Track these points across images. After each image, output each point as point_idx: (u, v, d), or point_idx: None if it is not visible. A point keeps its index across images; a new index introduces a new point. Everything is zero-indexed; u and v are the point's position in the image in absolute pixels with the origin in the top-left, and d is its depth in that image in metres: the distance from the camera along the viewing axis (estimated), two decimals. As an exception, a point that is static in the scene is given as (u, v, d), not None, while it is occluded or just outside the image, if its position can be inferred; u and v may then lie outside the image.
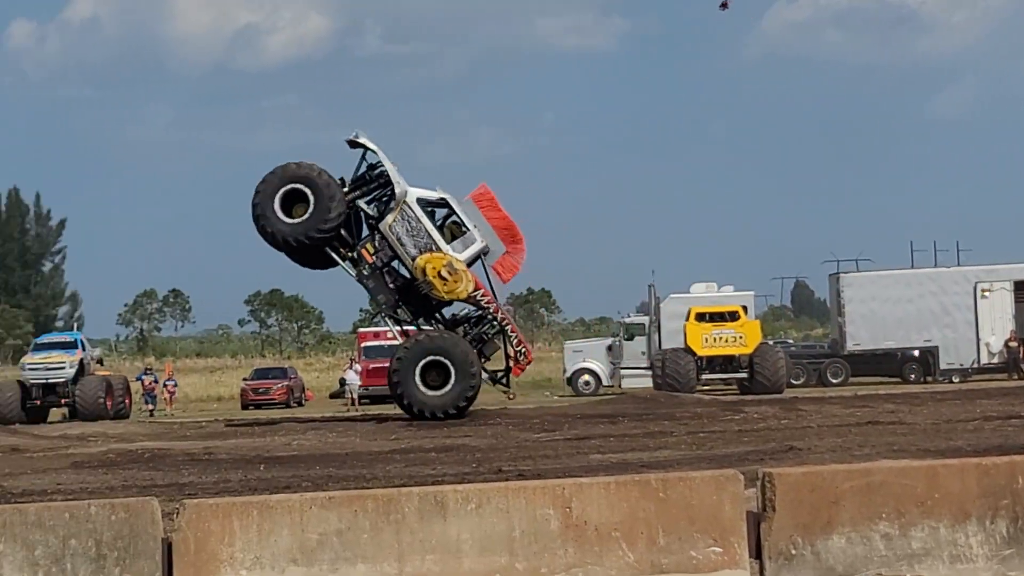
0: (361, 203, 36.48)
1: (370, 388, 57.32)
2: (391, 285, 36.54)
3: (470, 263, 36.17)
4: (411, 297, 36.50)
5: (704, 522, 10.81)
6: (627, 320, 62.88)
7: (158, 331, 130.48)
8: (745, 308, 56.41)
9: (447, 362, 34.64)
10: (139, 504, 10.86)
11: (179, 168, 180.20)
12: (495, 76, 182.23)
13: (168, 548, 10.67)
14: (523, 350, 37.33)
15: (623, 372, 58.95)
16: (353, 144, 36.77)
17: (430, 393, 34.71)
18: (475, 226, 36.30)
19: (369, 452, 27.29)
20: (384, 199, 36.43)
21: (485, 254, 36.83)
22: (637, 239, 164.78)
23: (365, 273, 36.28)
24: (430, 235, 35.69)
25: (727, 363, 55.20)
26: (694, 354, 54.75)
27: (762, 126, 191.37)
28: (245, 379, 64.63)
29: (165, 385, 61.30)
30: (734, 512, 10.83)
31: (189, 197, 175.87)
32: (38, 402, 50.96)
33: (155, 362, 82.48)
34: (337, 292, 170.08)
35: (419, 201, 36.02)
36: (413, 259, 35.55)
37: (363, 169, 36.78)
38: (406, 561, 10.77)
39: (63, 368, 51.29)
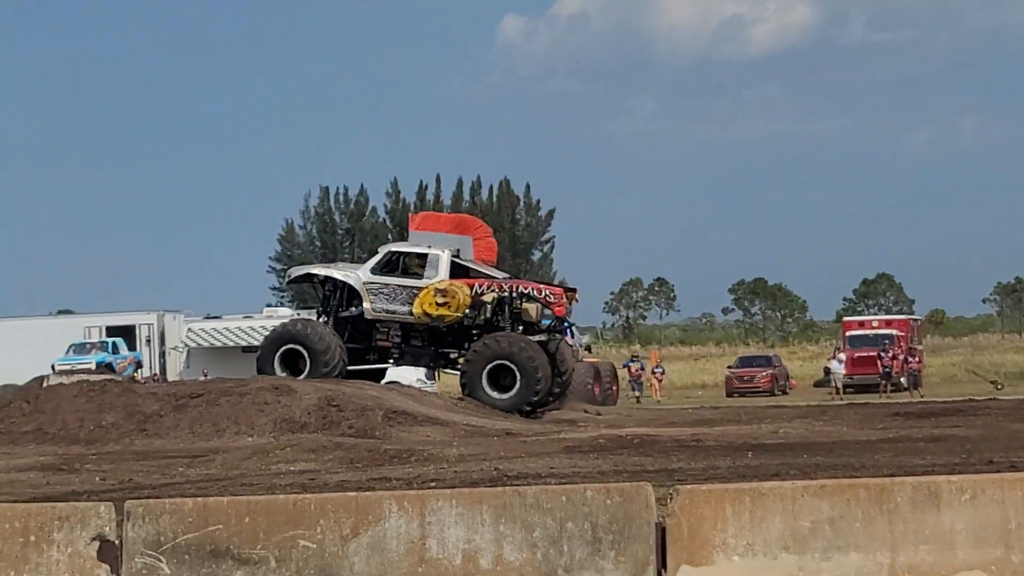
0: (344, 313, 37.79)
1: (855, 377, 56.55)
2: (420, 345, 37.64)
3: (454, 275, 37.14)
4: (440, 337, 37.61)
5: None
6: None
7: (643, 319, 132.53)
8: None
9: (512, 365, 35.59)
10: (633, 489, 11.05)
11: (662, 158, 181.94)
12: (984, 62, 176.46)
13: (662, 533, 10.82)
14: (548, 293, 38.01)
15: None
16: (296, 281, 40.11)
17: (498, 396, 35.70)
18: (428, 245, 37.47)
19: (856, 441, 26.97)
20: (352, 298, 37.67)
21: (459, 256, 37.90)
22: None
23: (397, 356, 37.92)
24: (402, 286, 36.96)
25: None
26: None
27: None
28: (730, 367, 64.95)
29: (652, 372, 62.19)
30: None
31: (672, 187, 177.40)
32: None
33: (640, 350, 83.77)
34: (821, 281, 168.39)
35: (373, 271, 37.37)
36: (411, 314, 36.85)
37: (324, 293, 38.55)
38: (899, 551, 10.62)
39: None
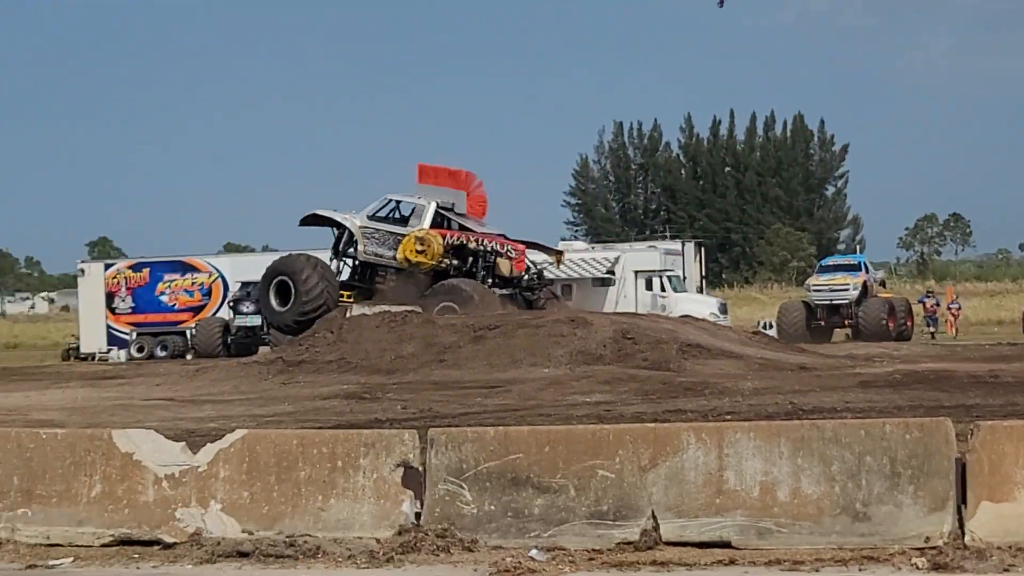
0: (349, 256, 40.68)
1: None
2: (410, 289, 38.71)
3: (436, 225, 39.65)
4: (418, 280, 39.08)
5: None
6: None
7: (938, 255, 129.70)
8: None
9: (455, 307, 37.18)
10: (933, 424, 10.82)
11: (956, 93, 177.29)
12: None
13: (962, 469, 10.59)
14: (508, 249, 40.02)
15: None
16: (307, 223, 41.63)
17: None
18: (419, 197, 39.87)
19: None
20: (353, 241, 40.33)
21: (450, 208, 40.35)
22: None
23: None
24: (390, 232, 39.47)
25: None
26: None
27: None
28: (1027, 302, 62.99)
29: (948, 308, 60.78)
30: None
31: (967, 122, 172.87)
32: (822, 322, 51.97)
33: (935, 285, 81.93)
34: None
35: (370, 219, 39.90)
36: (395, 259, 39.36)
37: (334, 236, 41.13)
38: None
39: (847, 290, 52.03)
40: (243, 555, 11.03)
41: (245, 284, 54.24)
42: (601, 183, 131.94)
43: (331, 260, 40.13)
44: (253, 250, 65.05)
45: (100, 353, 56.31)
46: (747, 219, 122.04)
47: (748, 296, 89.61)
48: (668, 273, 54.04)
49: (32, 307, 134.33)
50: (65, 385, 33.13)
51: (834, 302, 51.80)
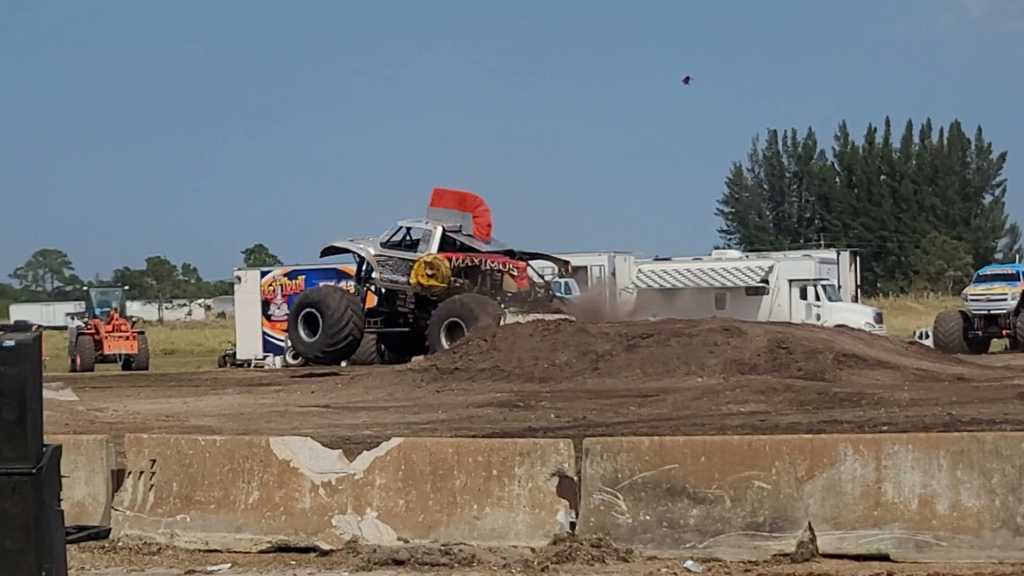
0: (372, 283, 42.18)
1: None
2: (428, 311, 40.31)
3: (445, 247, 41.11)
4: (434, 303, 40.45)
5: None
6: None
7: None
8: None
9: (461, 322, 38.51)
10: (1099, 437, 10.60)
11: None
12: None
13: None
14: (511, 267, 41.61)
15: None
16: (328, 254, 43.93)
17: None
18: (427, 222, 41.55)
19: None
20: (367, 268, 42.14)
21: (458, 230, 41.67)
22: None
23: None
24: (402, 259, 41.10)
25: None
26: None
27: None
28: None
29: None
30: None
31: None
32: (979, 332, 51.08)
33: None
34: None
35: (383, 246, 41.49)
36: (409, 284, 40.81)
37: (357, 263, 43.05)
38: None
39: (1005, 300, 51.09)
40: (399, 563, 11.09)
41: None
42: (755, 191, 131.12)
43: (356, 287, 42.09)
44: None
45: (256, 360, 57.04)
46: (903, 228, 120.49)
47: (903, 306, 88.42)
48: (823, 282, 53.55)
49: (189, 314, 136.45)
50: (222, 391, 33.62)
51: (992, 312, 50.86)
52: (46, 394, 8.78)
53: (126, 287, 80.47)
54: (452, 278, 40.46)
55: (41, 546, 8.62)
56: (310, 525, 11.74)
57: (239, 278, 60.42)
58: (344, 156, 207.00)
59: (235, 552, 11.74)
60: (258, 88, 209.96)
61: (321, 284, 41.94)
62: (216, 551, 11.80)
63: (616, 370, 31.07)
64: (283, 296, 58.23)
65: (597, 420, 22.66)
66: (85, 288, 74.53)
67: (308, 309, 39.85)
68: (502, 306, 39.40)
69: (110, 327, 57.11)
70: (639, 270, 57.97)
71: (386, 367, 37.77)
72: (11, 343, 8.41)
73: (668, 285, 56.45)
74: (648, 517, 11.09)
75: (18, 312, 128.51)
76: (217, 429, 20.99)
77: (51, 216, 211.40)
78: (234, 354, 59.18)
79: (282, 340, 57.39)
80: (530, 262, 43.21)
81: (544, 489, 11.35)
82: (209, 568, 11.42)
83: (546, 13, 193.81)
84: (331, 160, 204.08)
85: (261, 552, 11.71)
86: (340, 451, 12.19)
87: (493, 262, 41.39)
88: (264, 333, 58.09)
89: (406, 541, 11.39)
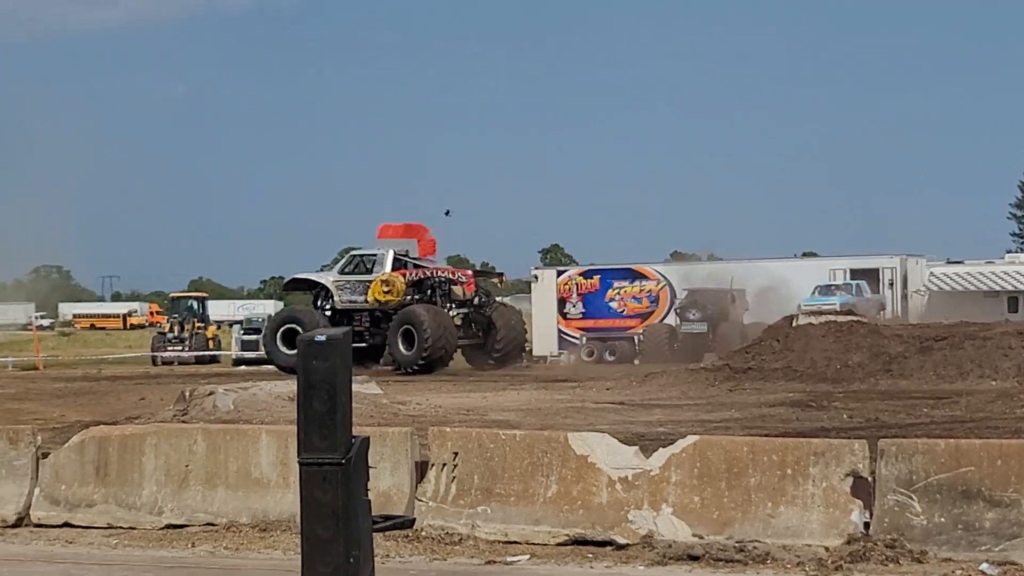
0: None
1: None
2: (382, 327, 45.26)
3: (396, 268, 46.05)
4: (389, 317, 45.03)
5: None
6: None
7: None
8: None
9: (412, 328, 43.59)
10: None
11: None
12: None
13: None
14: (459, 276, 47.99)
15: None
16: (290, 288, 49.84)
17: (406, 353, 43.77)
18: (379, 248, 46.66)
19: None
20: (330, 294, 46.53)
21: (405, 254, 46.99)
22: None
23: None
24: (358, 281, 45.77)
25: None
26: None
27: None
28: None
29: None
30: None
31: None
32: None
33: None
34: None
35: (341, 272, 46.41)
36: (367, 302, 45.41)
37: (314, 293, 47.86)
38: None
39: None
40: (693, 558, 11.03)
41: (691, 292, 54.48)
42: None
43: (314, 312, 46.12)
44: (698, 259, 65.13)
45: (551, 356, 57.44)
46: None
47: None
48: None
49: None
50: (520, 387, 33.95)
51: None
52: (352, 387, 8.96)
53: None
54: (405, 293, 45.53)
55: (349, 534, 8.80)
56: (606, 519, 11.77)
57: (536, 277, 60.93)
58: (643, 160, 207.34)
59: (533, 544, 11.84)
60: (563, 90, 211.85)
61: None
62: (515, 542, 11.91)
63: (909, 372, 30.49)
64: (578, 295, 58.54)
65: (890, 421, 22.23)
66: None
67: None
68: (449, 311, 45.50)
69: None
70: (931, 273, 56.67)
71: (679, 365, 37.66)
72: (322, 338, 8.61)
73: (960, 288, 55.10)
74: (942, 519, 10.83)
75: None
76: (516, 424, 21.21)
77: (356, 215, 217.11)
78: (530, 351, 59.77)
79: (576, 337, 57.75)
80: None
81: (838, 489, 11.17)
82: (509, 559, 11.53)
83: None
84: (628, 163, 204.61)
85: (559, 544, 11.78)
86: (636, 448, 12.19)
87: (442, 273, 47.20)
88: (559, 330, 58.46)
89: (701, 537, 11.33)
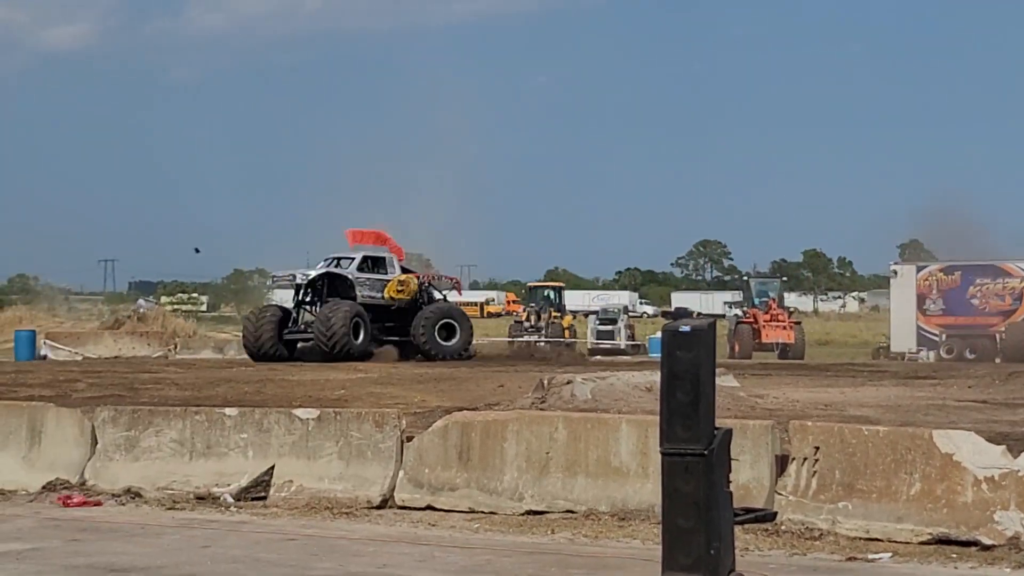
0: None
1: None
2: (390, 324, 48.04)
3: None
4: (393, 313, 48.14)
5: None
6: None
7: None
8: None
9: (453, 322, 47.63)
10: None
11: None
12: None
13: None
14: (455, 280, 53.44)
15: None
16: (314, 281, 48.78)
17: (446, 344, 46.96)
18: (379, 252, 49.18)
19: None
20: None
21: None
22: None
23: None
24: (377, 280, 48.06)
25: None
26: None
27: None
28: None
29: None
30: None
31: None
32: None
33: None
34: None
35: (359, 269, 48.07)
36: (383, 299, 47.78)
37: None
38: None
39: None
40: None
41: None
42: None
43: (294, 310, 47.30)
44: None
45: (909, 353, 56.19)
46: None
47: None
48: None
49: (843, 306, 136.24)
50: (878, 383, 33.27)
51: None
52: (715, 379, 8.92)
53: (783, 278, 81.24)
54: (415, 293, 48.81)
55: (711, 525, 8.79)
56: (971, 519, 11.43)
57: (895, 272, 59.72)
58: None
59: (895, 542, 11.59)
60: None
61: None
62: (876, 539, 11.68)
63: None
64: (939, 291, 57.15)
65: None
66: (744, 278, 75.97)
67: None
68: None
69: (768, 316, 58.01)
70: None
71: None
72: (687, 328, 8.61)
73: None
74: None
75: (678, 300, 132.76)
76: (875, 420, 20.77)
77: (712, 208, 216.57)
78: (888, 347, 58.60)
79: (936, 334, 56.39)
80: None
81: None
82: (870, 556, 11.31)
83: None
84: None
85: (921, 543, 11.50)
86: (1003, 447, 11.79)
87: (433, 279, 51.10)
88: (918, 327, 57.20)
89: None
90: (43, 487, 15.44)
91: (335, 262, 48.84)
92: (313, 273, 48.02)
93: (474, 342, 50.78)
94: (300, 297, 47.72)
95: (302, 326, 46.76)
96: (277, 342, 45.98)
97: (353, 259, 48.76)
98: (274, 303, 54.48)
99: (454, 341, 47.38)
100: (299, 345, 46.35)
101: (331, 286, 47.99)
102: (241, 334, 49.28)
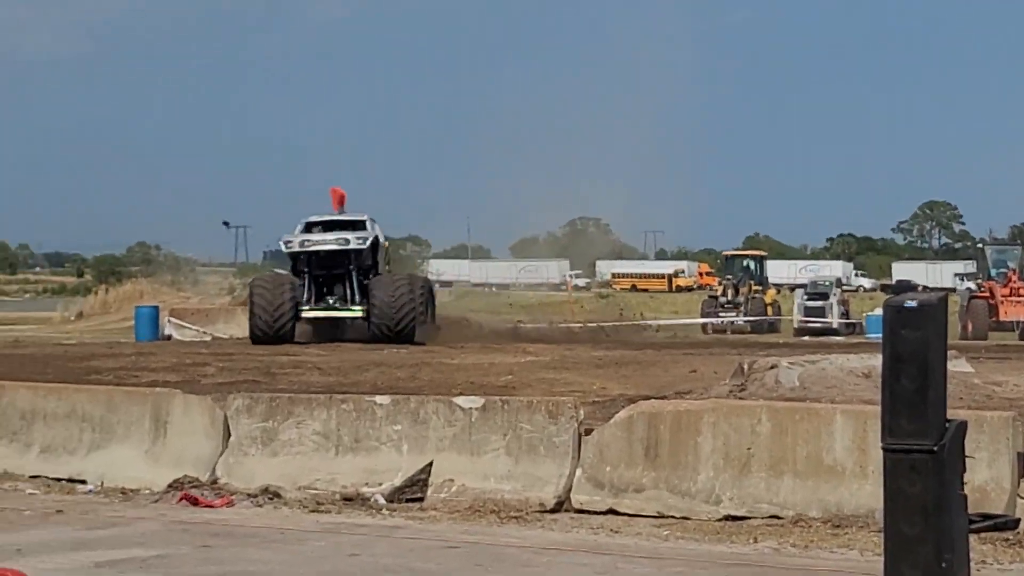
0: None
1: None
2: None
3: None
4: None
5: None
6: None
7: None
8: None
9: None
10: None
11: None
12: None
13: None
14: None
15: None
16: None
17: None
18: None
19: None
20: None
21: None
22: None
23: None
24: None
25: None
26: None
27: None
28: None
29: None
30: None
31: None
32: None
33: None
34: None
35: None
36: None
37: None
38: None
39: None
40: None
41: None
42: None
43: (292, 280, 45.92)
44: None
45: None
46: None
47: None
48: None
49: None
50: None
51: None
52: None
53: (1025, 245, 79.91)
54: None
55: (941, 533, 8.69)
56: None
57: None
58: None
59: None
60: None
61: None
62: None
63: None
64: None
65: None
66: (979, 246, 74.92)
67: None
68: None
69: (1007, 290, 57.06)
70: None
71: None
72: (914, 304, 8.51)
73: None
74: None
75: (900, 271, 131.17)
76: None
77: (941, 165, 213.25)
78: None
79: None
80: None
81: None
82: None
83: None
84: None
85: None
86: None
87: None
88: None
89: None
90: (169, 485, 15.74)
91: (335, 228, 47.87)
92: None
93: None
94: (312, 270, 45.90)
95: (333, 301, 45.49)
96: (294, 322, 44.35)
97: (353, 224, 47.90)
98: (281, 271, 50.66)
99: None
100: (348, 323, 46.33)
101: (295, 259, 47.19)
102: (250, 309, 44.85)
